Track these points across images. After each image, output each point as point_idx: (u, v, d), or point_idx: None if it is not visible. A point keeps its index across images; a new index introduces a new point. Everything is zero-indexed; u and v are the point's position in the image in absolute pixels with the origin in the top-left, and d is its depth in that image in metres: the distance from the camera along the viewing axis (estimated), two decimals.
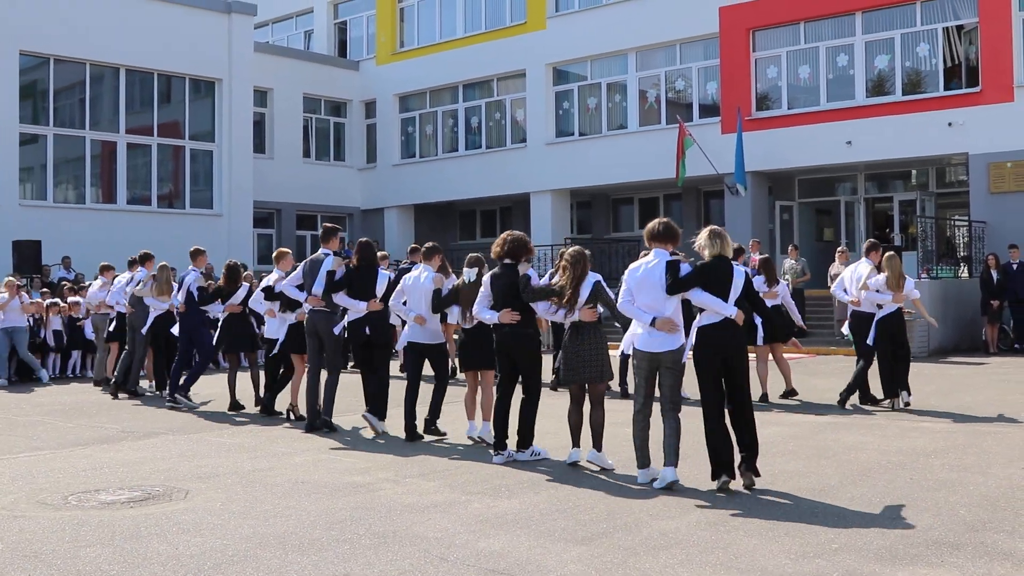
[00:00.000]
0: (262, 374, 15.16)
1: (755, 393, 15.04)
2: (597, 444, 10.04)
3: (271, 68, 36.43)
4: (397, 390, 12.58)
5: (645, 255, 9.55)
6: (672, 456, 9.02)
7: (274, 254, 15.01)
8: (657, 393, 9.25)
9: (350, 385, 15.40)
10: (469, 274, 11.48)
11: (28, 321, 20.52)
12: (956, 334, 23.72)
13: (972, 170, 26.50)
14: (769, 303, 14.49)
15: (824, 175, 31.08)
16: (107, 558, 7.09)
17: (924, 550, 6.94)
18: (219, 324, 16.15)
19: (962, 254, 26.69)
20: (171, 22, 31.46)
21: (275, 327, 14.29)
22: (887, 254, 14.21)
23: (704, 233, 9.13)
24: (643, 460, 9.32)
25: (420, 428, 12.23)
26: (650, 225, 9.35)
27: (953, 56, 27.33)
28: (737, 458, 8.98)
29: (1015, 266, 23.70)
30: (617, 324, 10.03)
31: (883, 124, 27.51)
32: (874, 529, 7.51)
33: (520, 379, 10.58)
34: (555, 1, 34.40)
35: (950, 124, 26.43)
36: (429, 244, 12.77)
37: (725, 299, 8.87)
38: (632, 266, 9.46)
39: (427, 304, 12.06)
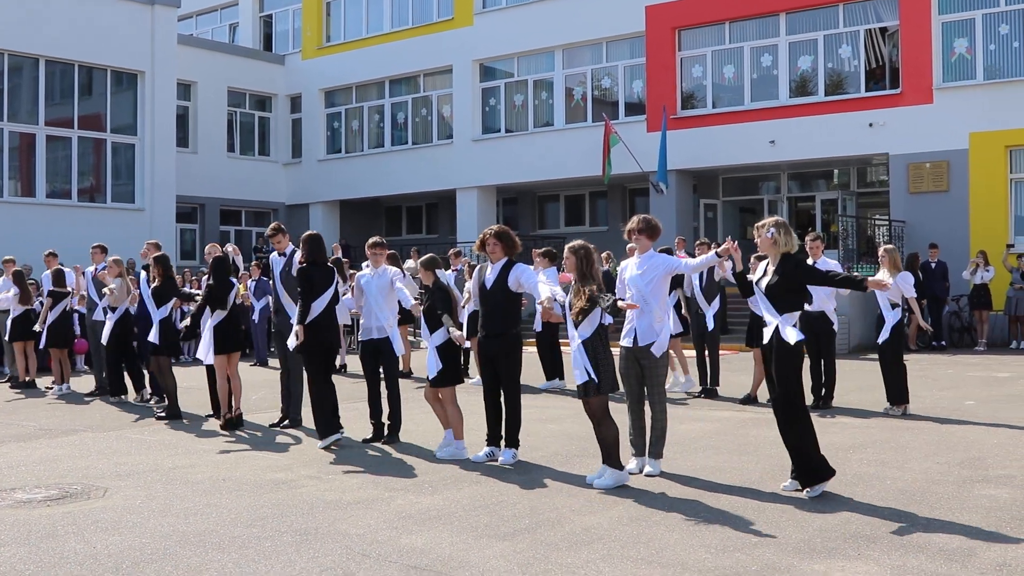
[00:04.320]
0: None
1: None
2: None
3: (195, 61, 36.02)
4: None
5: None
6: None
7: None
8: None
9: (270, 382, 15.27)
10: (447, 278, 11.18)
11: None
12: (876, 331, 24.03)
13: (892, 170, 26.90)
14: None
15: (748, 174, 31.41)
16: (22, 558, 6.97)
17: (842, 543, 7.03)
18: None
19: (882, 253, 27.05)
20: (93, 13, 30.98)
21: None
22: (889, 247, 14.08)
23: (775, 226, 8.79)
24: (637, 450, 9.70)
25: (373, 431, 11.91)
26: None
27: (875, 58, 27.72)
28: None
29: (934, 265, 24.12)
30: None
31: (806, 124, 27.86)
32: (793, 523, 7.59)
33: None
34: None
35: (871, 125, 26.81)
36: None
37: None
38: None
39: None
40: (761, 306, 8.86)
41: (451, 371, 10.73)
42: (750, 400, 14.59)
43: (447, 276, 11.23)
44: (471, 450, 10.61)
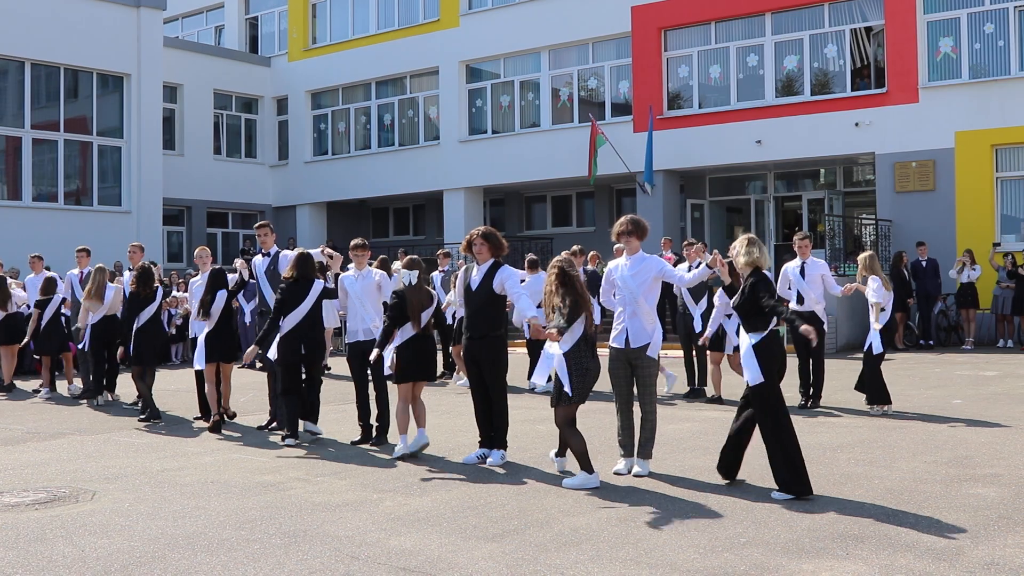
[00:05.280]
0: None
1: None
2: (562, 452, 9.76)
3: (181, 63, 35.95)
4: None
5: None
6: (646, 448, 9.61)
7: None
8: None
9: (258, 384, 15.25)
10: (410, 277, 10.99)
11: None
12: (863, 330, 24.09)
13: (878, 169, 26.95)
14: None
15: (735, 174, 31.43)
16: (10, 561, 6.96)
17: (830, 543, 7.05)
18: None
19: (860, 262, 27.10)
20: (79, 15, 30.90)
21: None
22: (866, 254, 14.17)
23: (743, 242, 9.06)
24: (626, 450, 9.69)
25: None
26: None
27: (860, 57, 27.79)
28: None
29: (925, 263, 24.19)
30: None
31: (792, 124, 27.90)
32: (781, 523, 7.61)
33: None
34: None
35: (857, 124, 26.88)
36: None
37: None
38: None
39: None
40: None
41: (416, 366, 10.77)
42: (716, 400, 14.77)
43: (412, 276, 11.08)
44: (462, 452, 10.64)
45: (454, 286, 17.02)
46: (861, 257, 14.01)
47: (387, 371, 10.92)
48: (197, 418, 13.94)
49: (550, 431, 12.15)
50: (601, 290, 10.02)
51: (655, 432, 9.64)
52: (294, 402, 11.87)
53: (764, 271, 8.88)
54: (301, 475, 9.86)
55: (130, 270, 15.87)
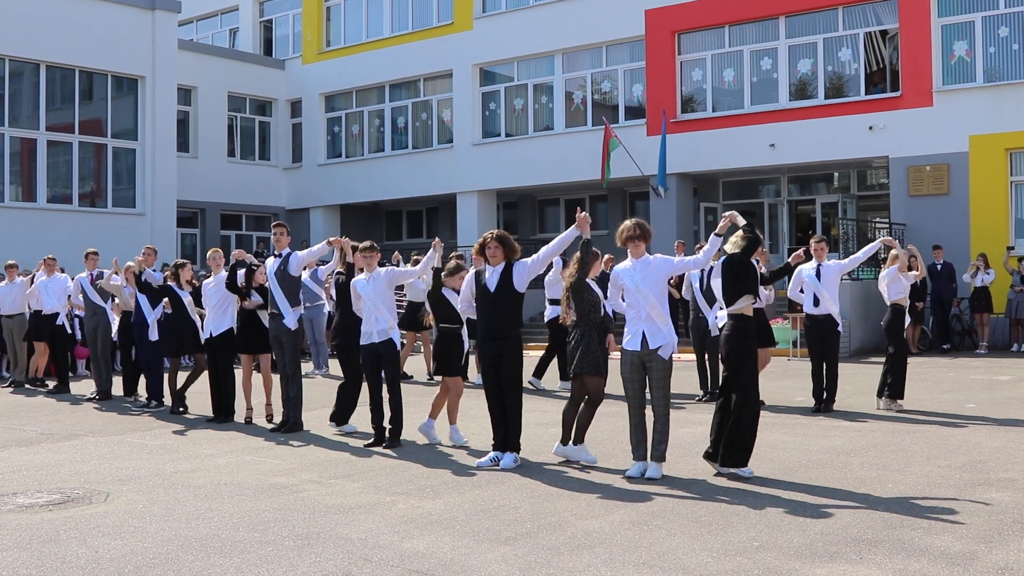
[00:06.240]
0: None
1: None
2: (578, 438, 10.23)
3: (195, 66, 36.03)
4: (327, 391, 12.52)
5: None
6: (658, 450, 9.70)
7: None
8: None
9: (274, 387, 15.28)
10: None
11: None
12: (877, 335, 23.99)
13: (892, 173, 26.90)
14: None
15: (748, 177, 31.38)
16: (24, 562, 6.98)
17: (843, 547, 7.03)
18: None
19: (883, 256, 27.05)
20: (93, 18, 30.99)
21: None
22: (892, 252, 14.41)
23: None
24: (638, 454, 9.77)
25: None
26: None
27: (875, 61, 27.73)
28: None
29: (940, 266, 24.13)
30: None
31: (806, 127, 27.86)
32: (795, 527, 7.59)
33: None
34: (482, 2, 34.40)
35: (871, 128, 26.82)
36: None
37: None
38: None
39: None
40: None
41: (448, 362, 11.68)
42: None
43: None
44: (476, 455, 10.68)
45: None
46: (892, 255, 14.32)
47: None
48: (210, 420, 13.97)
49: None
50: (609, 294, 10.11)
51: (668, 434, 9.63)
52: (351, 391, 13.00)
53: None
54: (314, 477, 9.87)
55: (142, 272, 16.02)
